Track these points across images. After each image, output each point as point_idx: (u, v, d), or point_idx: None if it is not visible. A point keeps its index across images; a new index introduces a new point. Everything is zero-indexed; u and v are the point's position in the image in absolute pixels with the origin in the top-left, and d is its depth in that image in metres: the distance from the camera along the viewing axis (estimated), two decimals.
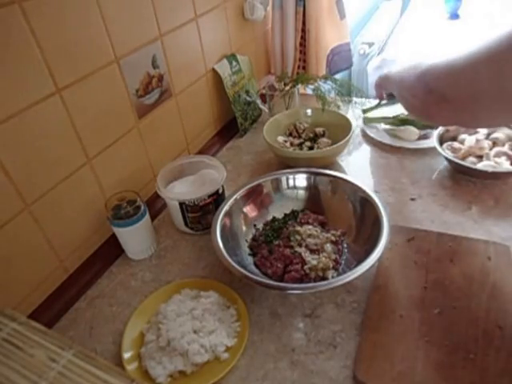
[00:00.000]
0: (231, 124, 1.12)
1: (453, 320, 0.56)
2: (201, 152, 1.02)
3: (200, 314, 0.59)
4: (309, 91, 1.14)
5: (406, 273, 0.65)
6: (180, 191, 0.78)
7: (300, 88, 1.09)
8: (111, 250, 0.76)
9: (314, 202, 0.78)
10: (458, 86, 0.48)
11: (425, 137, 0.97)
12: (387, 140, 0.98)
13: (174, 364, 0.55)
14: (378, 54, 2.04)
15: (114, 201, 0.71)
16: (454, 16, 2.30)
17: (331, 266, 0.65)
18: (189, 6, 0.89)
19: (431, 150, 0.91)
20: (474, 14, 2.28)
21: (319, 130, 0.97)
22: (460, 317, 0.57)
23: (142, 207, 0.71)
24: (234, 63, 1.08)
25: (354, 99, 1.08)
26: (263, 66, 1.34)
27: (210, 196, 0.75)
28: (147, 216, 0.73)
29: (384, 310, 0.59)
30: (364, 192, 0.71)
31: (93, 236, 0.75)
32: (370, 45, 1.99)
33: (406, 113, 0.63)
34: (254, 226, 0.76)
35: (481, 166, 0.79)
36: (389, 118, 1.00)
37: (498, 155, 0.81)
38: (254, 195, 0.77)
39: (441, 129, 0.88)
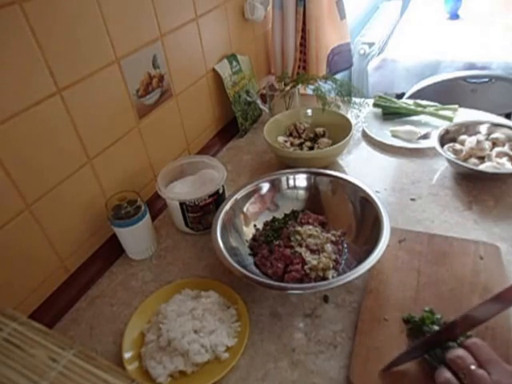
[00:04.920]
0: (231, 124, 1.12)
1: (445, 321, 0.56)
2: (201, 152, 1.02)
3: (200, 313, 0.59)
4: (309, 91, 1.14)
5: (398, 275, 0.65)
6: (180, 191, 0.78)
7: (300, 88, 1.09)
8: (112, 250, 0.76)
9: (314, 202, 0.78)
10: None
11: (425, 137, 0.97)
12: (387, 140, 0.98)
13: (174, 364, 0.55)
14: (378, 54, 2.04)
15: (115, 201, 0.71)
16: (454, 16, 2.30)
17: (331, 266, 0.65)
18: (189, 7, 0.89)
19: (431, 150, 0.91)
20: (473, 14, 2.27)
21: (319, 130, 0.97)
22: (452, 318, 0.56)
23: (143, 207, 0.71)
24: (235, 63, 1.08)
25: (354, 99, 1.08)
26: (263, 66, 1.34)
27: (210, 196, 0.75)
28: (148, 216, 0.73)
29: (377, 314, 0.59)
30: (364, 192, 0.71)
31: (93, 236, 0.75)
32: (370, 45, 2.00)
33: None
34: (254, 226, 0.76)
35: (483, 167, 0.79)
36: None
37: (499, 156, 0.81)
38: (255, 195, 0.77)
39: (441, 129, 0.88)
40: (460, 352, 0.46)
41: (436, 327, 0.54)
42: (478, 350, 0.45)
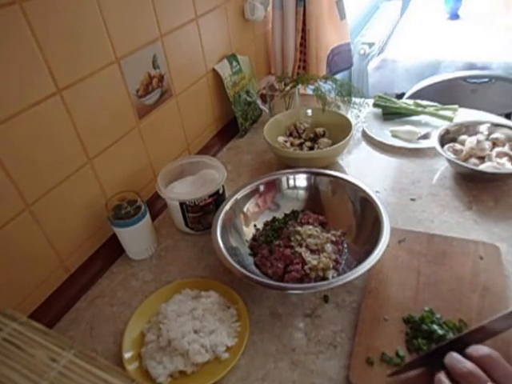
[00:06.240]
0: (231, 124, 1.12)
1: (445, 322, 0.56)
2: (201, 152, 1.02)
3: (200, 313, 0.59)
4: (309, 91, 1.15)
5: (398, 275, 0.65)
6: (180, 191, 0.78)
7: (300, 88, 1.09)
8: (112, 250, 0.76)
9: (315, 202, 0.78)
10: None
11: (425, 137, 0.97)
12: (387, 140, 0.98)
13: (174, 364, 0.55)
14: (378, 54, 2.04)
15: (115, 201, 0.71)
16: (454, 16, 2.30)
17: (331, 266, 0.65)
18: (189, 6, 0.89)
19: (431, 150, 0.91)
20: (473, 14, 2.28)
21: (319, 130, 0.97)
22: (452, 318, 0.56)
23: (143, 207, 0.71)
24: (235, 63, 1.08)
25: (354, 99, 1.08)
26: (263, 66, 1.34)
27: (210, 196, 0.75)
28: (148, 216, 0.73)
29: (377, 314, 0.59)
30: (364, 192, 0.71)
31: (93, 236, 0.75)
32: (370, 45, 2.00)
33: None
34: (255, 226, 0.76)
35: (483, 167, 0.79)
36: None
37: (499, 156, 0.80)
38: (255, 195, 0.77)
39: (441, 129, 0.88)
40: (470, 366, 0.42)
41: (435, 326, 0.54)
42: (493, 364, 0.41)
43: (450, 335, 0.53)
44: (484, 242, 0.68)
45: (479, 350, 0.43)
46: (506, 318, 0.45)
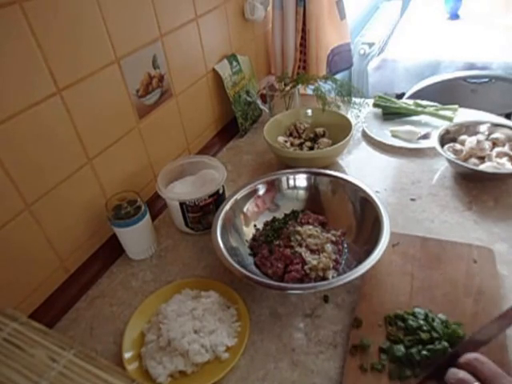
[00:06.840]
0: (231, 124, 1.12)
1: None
2: (201, 152, 1.02)
3: (200, 313, 0.59)
4: (309, 91, 1.15)
5: (392, 279, 0.64)
6: (180, 191, 0.78)
7: (300, 88, 1.09)
8: (112, 250, 0.76)
9: (315, 202, 0.78)
10: None
11: (425, 137, 0.97)
12: (387, 140, 0.98)
13: (174, 364, 0.55)
14: (378, 54, 2.04)
15: (115, 201, 0.71)
16: (454, 16, 2.30)
17: (331, 266, 0.65)
18: (189, 6, 0.89)
19: (431, 150, 0.91)
20: (473, 14, 2.28)
21: (319, 130, 0.97)
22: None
23: (143, 207, 0.71)
24: (235, 63, 1.08)
25: (354, 99, 1.08)
26: (263, 66, 1.34)
27: (210, 196, 0.75)
28: (148, 216, 0.73)
29: (371, 319, 0.58)
30: (364, 192, 0.71)
31: (93, 236, 0.75)
32: (371, 45, 2.00)
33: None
34: (255, 226, 0.76)
35: (483, 167, 0.79)
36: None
37: (499, 156, 0.80)
38: (255, 195, 0.77)
39: (441, 129, 0.88)
40: (461, 374, 0.44)
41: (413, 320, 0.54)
42: (481, 366, 0.44)
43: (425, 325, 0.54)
44: (478, 245, 0.67)
45: (466, 356, 0.46)
46: (493, 325, 0.47)
